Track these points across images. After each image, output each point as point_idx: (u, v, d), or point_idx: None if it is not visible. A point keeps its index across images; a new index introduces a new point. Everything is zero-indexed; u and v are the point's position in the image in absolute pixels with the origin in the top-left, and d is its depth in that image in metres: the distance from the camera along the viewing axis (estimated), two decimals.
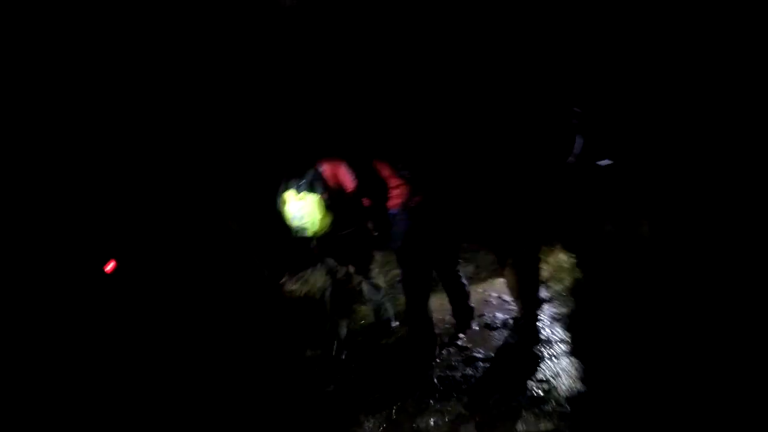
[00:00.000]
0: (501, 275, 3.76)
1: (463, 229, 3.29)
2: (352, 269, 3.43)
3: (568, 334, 3.15)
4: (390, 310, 3.51)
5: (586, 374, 2.75)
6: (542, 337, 3.17)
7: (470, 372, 2.92)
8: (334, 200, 3.02)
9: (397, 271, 4.44)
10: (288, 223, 3.05)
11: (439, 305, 3.46)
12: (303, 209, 2.97)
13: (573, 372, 2.78)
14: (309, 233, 3.03)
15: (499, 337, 3.27)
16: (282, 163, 3.25)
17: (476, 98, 3.14)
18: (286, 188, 3.06)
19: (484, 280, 4.09)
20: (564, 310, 3.42)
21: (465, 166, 3.07)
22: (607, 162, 3.24)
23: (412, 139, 3.06)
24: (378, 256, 4.77)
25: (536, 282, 3.46)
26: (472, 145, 3.09)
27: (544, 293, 3.61)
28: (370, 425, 2.53)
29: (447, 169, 3.03)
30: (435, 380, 2.86)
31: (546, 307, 3.50)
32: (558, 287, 3.67)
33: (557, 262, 3.92)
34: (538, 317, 3.38)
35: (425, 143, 3.04)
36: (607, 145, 3.28)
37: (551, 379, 2.75)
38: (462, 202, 3.11)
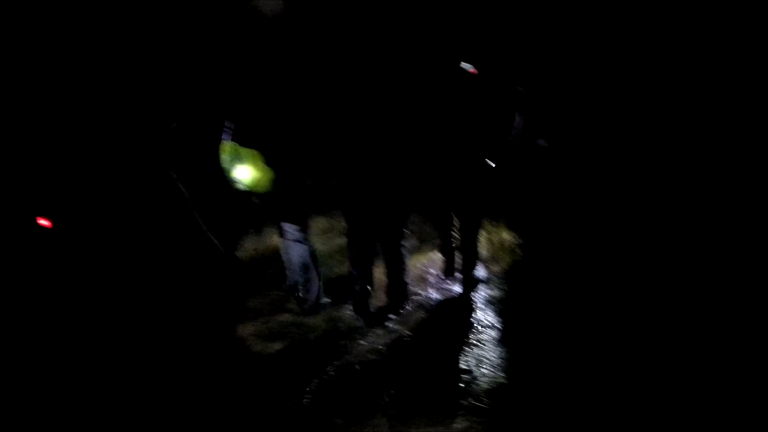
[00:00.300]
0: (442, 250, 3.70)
1: (409, 200, 3.15)
2: (290, 233, 3.18)
3: (500, 320, 3.10)
4: (319, 283, 3.30)
5: (509, 365, 2.71)
6: (473, 320, 3.11)
7: (395, 357, 2.84)
8: (274, 156, 2.84)
9: (339, 240, 4.32)
10: (228, 176, 2.85)
11: (377, 280, 3.33)
12: (240, 162, 2.81)
13: (497, 362, 2.74)
14: (247, 188, 2.85)
15: (430, 319, 3.18)
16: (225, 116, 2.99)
17: (421, 76, 2.98)
18: (229, 139, 2.85)
19: (425, 254, 3.97)
20: (499, 293, 3.35)
21: (410, 137, 2.94)
22: (544, 143, 3.13)
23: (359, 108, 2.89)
24: (322, 221, 4.60)
25: (474, 261, 3.40)
26: (416, 118, 2.95)
27: (482, 273, 3.53)
28: (278, 417, 2.41)
29: (391, 138, 2.89)
30: (356, 366, 2.76)
31: (482, 288, 3.42)
32: (496, 268, 3.59)
33: (500, 241, 3.83)
34: (473, 299, 3.33)
35: (371, 111, 2.87)
36: (547, 125, 3.15)
37: (474, 368, 2.70)
38: (408, 171, 2.98)
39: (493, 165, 3.03)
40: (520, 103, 2.92)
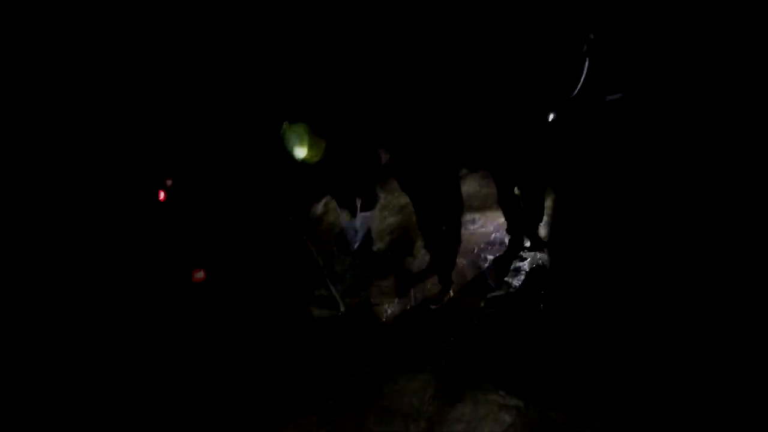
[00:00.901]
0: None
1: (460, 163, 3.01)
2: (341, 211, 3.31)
3: (564, 316, 2.65)
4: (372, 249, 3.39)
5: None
6: (530, 311, 2.71)
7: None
8: (324, 126, 2.90)
9: (392, 219, 4.07)
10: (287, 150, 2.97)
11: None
12: (293, 134, 2.90)
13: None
14: (301, 159, 2.92)
15: (479, 322, 2.82)
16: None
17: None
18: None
19: (487, 236, 3.55)
20: (559, 286, 2.87)
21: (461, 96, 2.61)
22: (617, 96, 2.54)
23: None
24: (381, 197, 4.37)
25: (539, 241, 3.02)
26: (469, 71, 2.58)
27: (544, 257, 3.06)
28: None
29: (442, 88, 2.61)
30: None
31: (543, 277, 2.96)
32: (559, 252, 3.07)
33: (564, 216, 3.26)
34: (532, 289, 2.89)
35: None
36: (621, 77, 2.53)
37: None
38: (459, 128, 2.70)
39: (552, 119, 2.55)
40: (588, 51, 2.37)
